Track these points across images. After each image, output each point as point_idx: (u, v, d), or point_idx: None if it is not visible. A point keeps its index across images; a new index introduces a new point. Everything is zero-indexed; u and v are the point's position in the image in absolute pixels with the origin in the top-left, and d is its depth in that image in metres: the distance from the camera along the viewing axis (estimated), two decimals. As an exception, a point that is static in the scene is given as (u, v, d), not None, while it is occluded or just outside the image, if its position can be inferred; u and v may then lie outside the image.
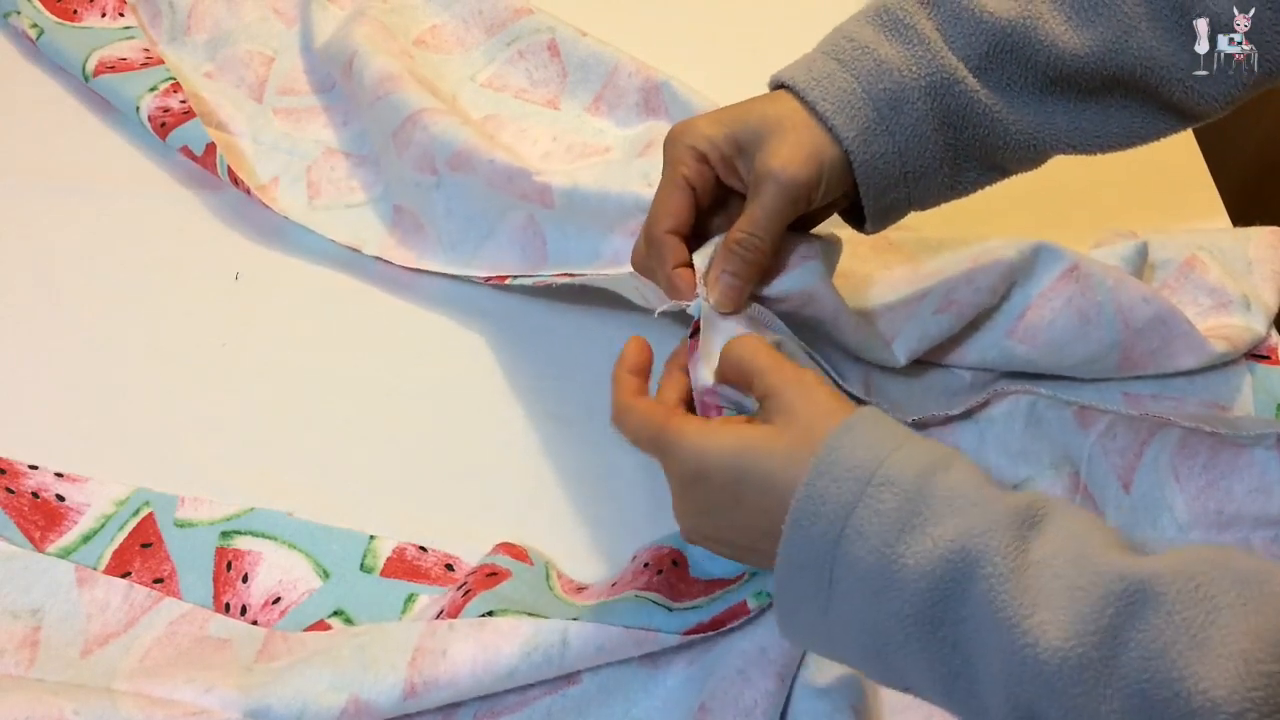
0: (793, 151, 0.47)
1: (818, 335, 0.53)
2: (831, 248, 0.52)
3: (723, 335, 0.47)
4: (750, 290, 0.49)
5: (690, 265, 0.49)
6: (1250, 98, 0.50)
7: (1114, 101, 0.50)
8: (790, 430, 0.42)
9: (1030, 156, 0.51)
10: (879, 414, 0.43)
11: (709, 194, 0.50)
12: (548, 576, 0.55)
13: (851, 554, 0.39)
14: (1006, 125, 0.49)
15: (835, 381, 0.53)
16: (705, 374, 0.47)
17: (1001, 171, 0.52)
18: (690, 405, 0.48)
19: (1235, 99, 0.49)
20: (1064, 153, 0.51)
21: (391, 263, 0.69)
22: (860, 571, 0.39)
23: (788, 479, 0.41)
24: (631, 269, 0.54)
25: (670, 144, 0.50)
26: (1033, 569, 0.37)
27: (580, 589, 0.55)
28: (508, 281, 0.66)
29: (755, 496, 0.42)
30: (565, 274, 0.65)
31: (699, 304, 0.48)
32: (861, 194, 0.49)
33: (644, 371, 0.49)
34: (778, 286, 0.49)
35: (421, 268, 0.68)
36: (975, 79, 0.48)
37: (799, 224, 0.51)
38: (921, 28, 0.48)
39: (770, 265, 0.49)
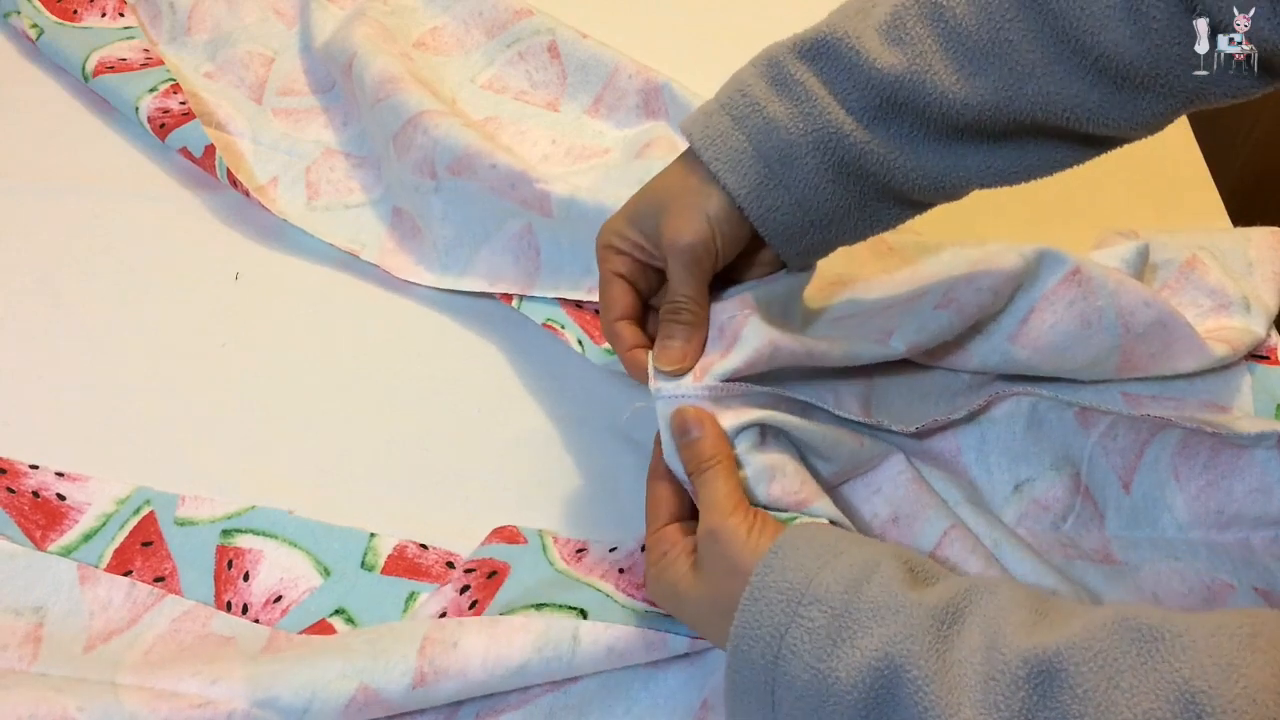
0: (680, 219, 0.50)
1: (801, 368, 0.53)
2: (772, 285, 0.53)
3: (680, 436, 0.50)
4: (697, 351, 0.51)
5: (644, 346, 0.52)
6: (1172, 121, 0.49)
7: (1027, 141, 0.49)
8: (704, 583, 0.46)
9: (946, 194, 0.51)
10: (808, 531, 0.45)
11: (642, 277, 0.53)
12: (544, 549, 0.55)
13: (789, 673, 0.41)
14: (908, 172, 0.49)
15: (833, 415, 0.53)
16: (682, 474, 0.49)
17: (921, 205, 0.52)
18: None
19: (1155, 125, 0.48)
20: (983, 188, 0.51)
21: (388, 245, 0.69)
22: (798, 689, 0.41)
23: (710, 630, 0.46)
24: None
25: (599, 244, 0.53)
26: (955, 668, 0.39)
27: (580, 551, 0.55)
28: (512, 303, 0.66)
29: (699, 627, 0.47)
30: (565, 298, 0.65)
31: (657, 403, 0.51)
32: (768, 241, 0.51)
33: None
34: (735, 359, 0.50)
35: (416, 280, 0.68)
36: (867, 132, 0.48)
37: (739, 271, 0.54)
38: (807, 83, 0.48)
39: (707, 323, 0.52)
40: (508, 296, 0.67)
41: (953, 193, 0.51)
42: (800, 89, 0.48)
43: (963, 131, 0.48)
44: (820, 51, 0.48)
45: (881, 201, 0.51)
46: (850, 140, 0.48)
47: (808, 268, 0.54)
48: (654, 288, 0.54)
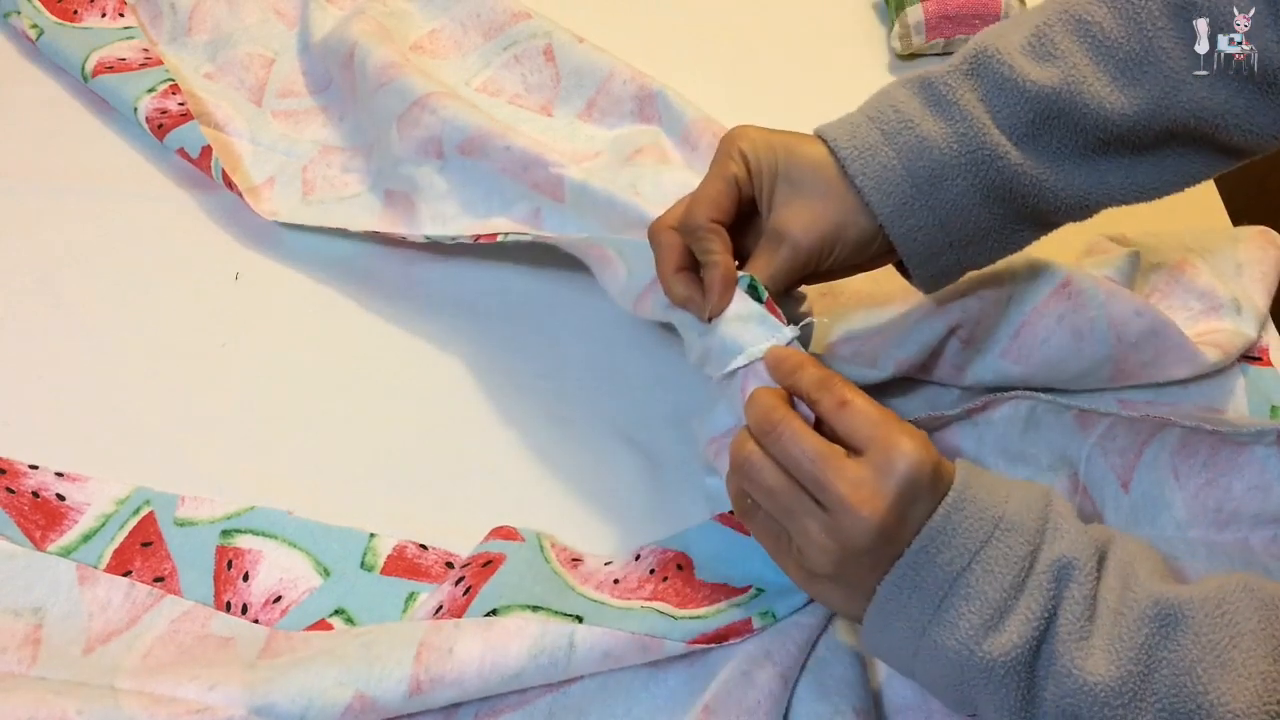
0: (816, 219, 0.48)
1: None
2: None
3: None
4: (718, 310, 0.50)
5: (731, 254, 0.49)
6: None
7: (1168, 152, 0.50)
8: (873, 449, 0.43)
9: (1083, 212, 0.51)
10: (968, 463, 0.45)
11: (745, 204, 0.50)
12: (542, 549, 0.55)
13: (975, 587, 0.41)
14: (1056, 192, 0.49)
15: None
16: (807, 410, 0.46)
17: (1051, 227, 0.52)
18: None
19: None
20: (1119, 205, 0.51)
21: (379, 233, 0.68)
22: (978, 604, 0.41)
23: (926, 470, 0.42)
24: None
25: (728, 140, 0.50)
26: (1096, 603, 0.41)
27: (575, 560, 0.55)
28: (498, 239, 0.64)
29: (919, 514, 0.43)
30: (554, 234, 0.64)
31: (790, 334, 0.48)
32: (905, 261, 0.50)
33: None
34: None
35: (408, 234, 0.67)
36: (1020, 151, 0.48)
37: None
38: (965, 102, 0.48)
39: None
40: (491, 237, 0.65)
41: (1089, 210, 0.51)
42: (956, 109, 0.48)
43: (1110, 145, 0.49)
44: (977, 67, 0.49)
45: (1020, 223, 0.51)
46: (1004, 161, 0.48)
47: (934, 289, 0.53)
48: (740, 219, 0.51)
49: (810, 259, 0.49)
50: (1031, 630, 0.40)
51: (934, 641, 0.42)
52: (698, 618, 0.51)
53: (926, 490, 0.42)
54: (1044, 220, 0.51)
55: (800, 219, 0.48)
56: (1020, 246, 0.52)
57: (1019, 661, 0.40)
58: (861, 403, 0.44)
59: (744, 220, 0.51)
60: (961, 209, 0.49)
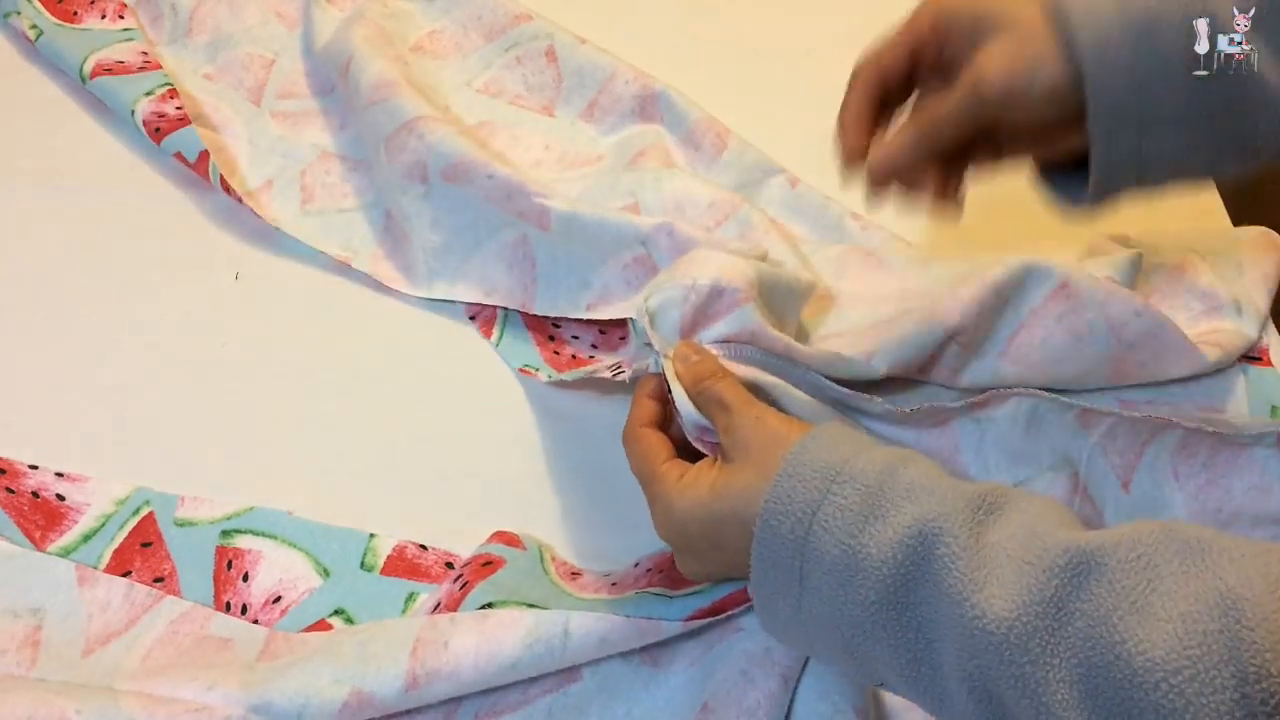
0: (1009, 57, 0.47)
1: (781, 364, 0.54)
2: (778, 274, 0.54)
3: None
4: (911, 167, 0.51)
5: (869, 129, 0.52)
6: None
7: None
8: (749, 463, 0.45)
9: None
10: (842, 427, 0.45)
11: (928, 59, 0.50)
12: (542, 559, 0.55)
13: (819, 548, 0.41)
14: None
15: (830, 392, 0.54)
16: (693, 412, 0.49)
17: (1257, 157, 0.48)
18: (660, 427, 0.51)
19: None
20: None
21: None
22: (827, 564, 0.41)
23: (756, 509, 0.43)
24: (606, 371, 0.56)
25: (919, 6, 0.50)
26: (987, 549, 0.38)
27: (575, 574, 0.55)
28: (491, 338, 0.66)
29: (732, 537, 0.45)
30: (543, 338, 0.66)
31: (658, 359, 0.51)
32: (1091, 123, 0.47)
33: (664, 399, 0.51)
34: (723, 329, 0.51)
35: (407, 291, 0.68)
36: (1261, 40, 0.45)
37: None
38: None
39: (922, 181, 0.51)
40: (489, 328, 0.66)
41: None
42: None
43: None
44: None
45: (1227, 133, 0.47)
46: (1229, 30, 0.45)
47: (1095, 200, 0.50)
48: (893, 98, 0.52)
49: (991, 101, 0.47)
50: (891, 574, 0.39)
51: (810, 613, 0.42)
52: (695, 594, 0.51)
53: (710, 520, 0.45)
54: (1252, 142, 0.47)
55: (993, 59, 0.47)
56: (1212, 172, 0.49)
57: (887, 610, 0.39)
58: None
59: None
60: (1168, 68, 0.45)
